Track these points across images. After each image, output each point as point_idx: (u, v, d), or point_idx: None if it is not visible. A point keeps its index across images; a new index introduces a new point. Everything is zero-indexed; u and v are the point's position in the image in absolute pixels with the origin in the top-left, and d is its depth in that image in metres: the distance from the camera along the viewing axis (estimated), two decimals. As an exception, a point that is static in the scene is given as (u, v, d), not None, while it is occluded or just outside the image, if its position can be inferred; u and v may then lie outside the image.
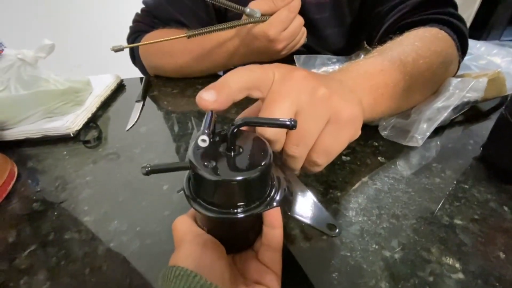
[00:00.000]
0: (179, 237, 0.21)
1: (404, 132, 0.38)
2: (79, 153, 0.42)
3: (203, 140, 0.18)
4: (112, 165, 0.39)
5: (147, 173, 0.19)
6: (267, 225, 0.22)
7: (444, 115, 0.37)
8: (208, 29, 0.37)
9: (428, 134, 0.37)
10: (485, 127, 0.40)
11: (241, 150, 0.20)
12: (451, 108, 0.37)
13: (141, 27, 0.62)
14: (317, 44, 0.60)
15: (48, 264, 0.27)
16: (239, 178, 0.18)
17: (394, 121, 0.39)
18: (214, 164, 0.19)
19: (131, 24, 0.64)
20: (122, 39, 0.66)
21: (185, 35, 0.37)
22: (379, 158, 0.36)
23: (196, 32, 0.37)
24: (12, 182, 0.37)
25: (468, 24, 1.83)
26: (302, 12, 0.50)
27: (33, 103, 0.45)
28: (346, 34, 0.60)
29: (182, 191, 0.20)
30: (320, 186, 0.33)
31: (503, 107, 0.32)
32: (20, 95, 0.44)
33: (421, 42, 0.36)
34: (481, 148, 0.35)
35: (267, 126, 0.19)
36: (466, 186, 0.31)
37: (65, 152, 0.42)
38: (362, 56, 0.53)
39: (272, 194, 0.21)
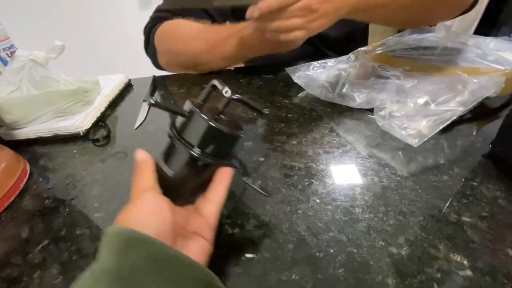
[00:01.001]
0: (132, 196, 0.23)
1: (402, 124, 0.38)
2: (88, 152, 0.43)
3: (226, 92, 0.24)
4: (121, 163, 0.40)
5: (151, 105, 0.24)
6: (216, 180, 0.26)
7: (449, 121, 0.36)
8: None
9: (427, 137, 0.36)
10: (494, 124, 0.40)
11: (224, 118, 0.26)
12: (458, 115, 0.37)
13: (161, 15, 0.62)
14: None
15: (60, 258, 0.28)
16: (218, 126, 0.24)
17: (390, 109, 0.39)
18: (205, 115, 0.24)
19: (151, 14, 0.65)
20: (128, 41, 0.67)
21: None
22: (385, 155, 0.36)
23: None
24: (25, 180, 0.38)
25: (477, 21, 1.80)
26: None
27: (44, 103, 0.46)
28: None
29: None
30: (326, 183, 0.33)
31: (513, 104, 0.32)
32: (32, 95, 0.45)
33: None
34: (490, 145, 0.35)
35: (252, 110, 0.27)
36: (475, 183, 0.31)
37: (75, 151, 0.43)
38: (363, 51, 0.53)
39: (231, 161, 0.27)
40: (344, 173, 0.34)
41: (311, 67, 0.56)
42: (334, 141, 0.39)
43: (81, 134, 0.46)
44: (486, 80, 0.37)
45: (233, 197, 0.32)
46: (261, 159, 0.37)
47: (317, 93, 0.50)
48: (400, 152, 0.36)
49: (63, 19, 1.51)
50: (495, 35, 1.98)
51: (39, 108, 0.46)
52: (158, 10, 0.64)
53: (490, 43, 0.53)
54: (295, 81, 0.54)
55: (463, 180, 0.32)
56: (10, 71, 0.45)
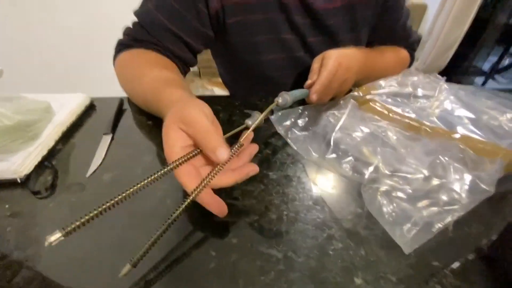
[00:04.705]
0: None
1: (392, 214, 0.34)
2: (25, 206, 0.35)
3: None
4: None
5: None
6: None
7: (444, 224, 0.33)
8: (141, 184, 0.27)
9: (418, 245, 0.32)
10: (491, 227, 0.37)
11: None
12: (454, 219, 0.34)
13: (126, 41, 0.55)
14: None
15: None
16: None
17: (380, 185, 0.36)
18: None
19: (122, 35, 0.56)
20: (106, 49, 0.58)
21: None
22: (374, 248, 0.32)
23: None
24: None
25: (457, 44, 1.85)
26: (318, 19, 0.58)
27: (-29, 141, 0.37)
28: (358, 41, 0.66)
29: None
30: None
31: None
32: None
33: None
34: (486, 248, 0.32)
35: None
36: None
37: (7, 206, 0.35)
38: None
39: None
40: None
41: (298, 117, 0.51)
42: (319, 220, 0.35)
43: (19, 181, 0.38)
44: (485, 175, 0.35)
45: None
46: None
47: (303, 152, 0.44)
48: (386, 252, 0.32)
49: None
50: (474, 56, 2.07)
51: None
52: (125, 34, 0.55)
53: (487, 101, 0.50)
54: (280, 133, 0.49)
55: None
56: None
